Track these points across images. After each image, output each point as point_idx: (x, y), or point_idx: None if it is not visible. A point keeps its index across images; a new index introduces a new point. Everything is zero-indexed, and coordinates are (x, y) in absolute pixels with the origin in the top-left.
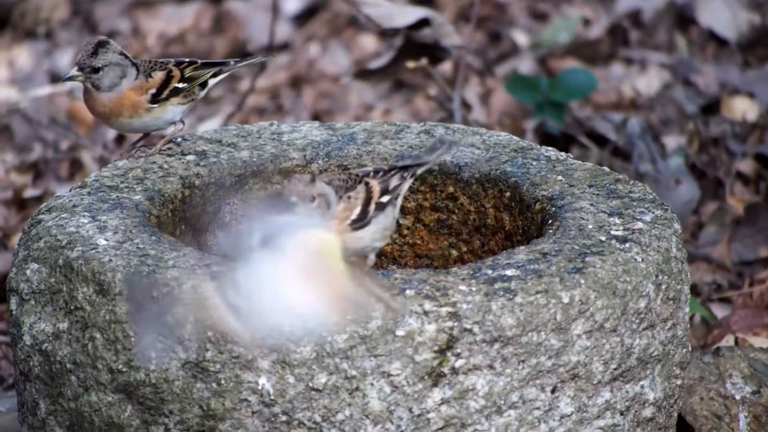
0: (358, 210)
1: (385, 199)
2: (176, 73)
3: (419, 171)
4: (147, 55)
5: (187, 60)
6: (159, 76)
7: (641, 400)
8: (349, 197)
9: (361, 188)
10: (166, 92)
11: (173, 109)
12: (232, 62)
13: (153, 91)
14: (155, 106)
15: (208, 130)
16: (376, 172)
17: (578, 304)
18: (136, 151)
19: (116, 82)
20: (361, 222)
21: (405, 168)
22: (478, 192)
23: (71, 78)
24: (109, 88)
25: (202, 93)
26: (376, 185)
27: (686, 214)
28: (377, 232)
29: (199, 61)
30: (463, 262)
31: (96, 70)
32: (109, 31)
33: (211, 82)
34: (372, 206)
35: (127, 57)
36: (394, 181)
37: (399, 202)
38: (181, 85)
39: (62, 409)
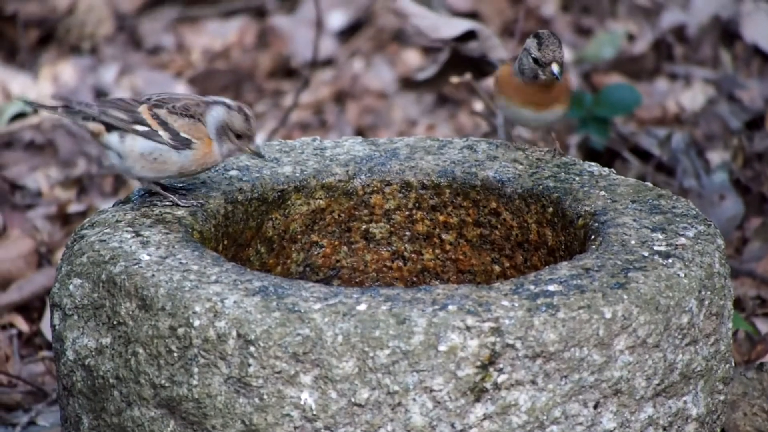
0: None
1: None
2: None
3: None
4: (192, 70)
5: None
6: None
7: (684, 416)
8: None
9: None
10: None
11: None
12: None
13: None
14: None
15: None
16: None
17: (621, 319)
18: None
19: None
20: None
21: None
22: (520, 207)
23: (557, 76)
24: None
25: None
26: None
27: (730, 229)
28: None
29: None
30: (506, 278)
31: (561, 63)
32: (154, 46)
33: None
34: None
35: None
36: None
37: None
38: None
39: (105, 424)
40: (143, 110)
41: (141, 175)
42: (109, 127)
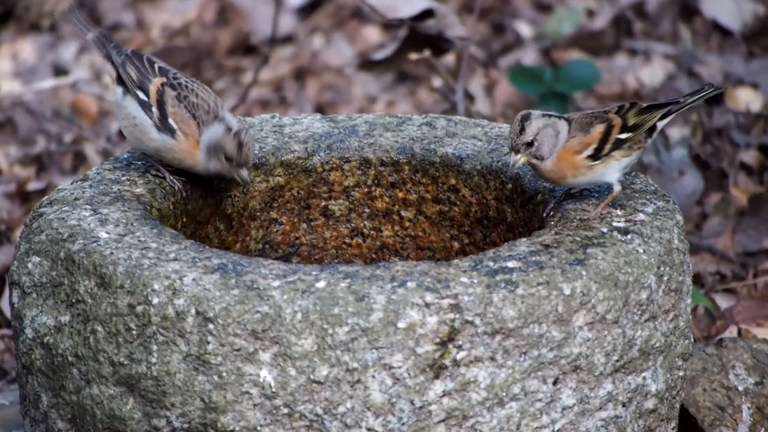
0: (594, 145)
1: (624, 135)
2: (617, 122)
3: (677, 108)
4: (151, 47)
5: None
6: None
7: (643, 392)
8: (585, 133)
9: (600, 125)
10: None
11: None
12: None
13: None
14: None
15: None
16: (621, 107)
17: (580, 295)
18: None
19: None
20: (597, 156)
21: (659, 106)
22: (479, 184)
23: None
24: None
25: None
26: (618, 121)
27: (690, 205)
28: (613, 167)
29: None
30: (465, 254)
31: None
32: (113, 23)
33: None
34: (610, 142)
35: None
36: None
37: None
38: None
39: (64, 402)
40: (155, 82)
41: (126, 135)
42: (120, 79)
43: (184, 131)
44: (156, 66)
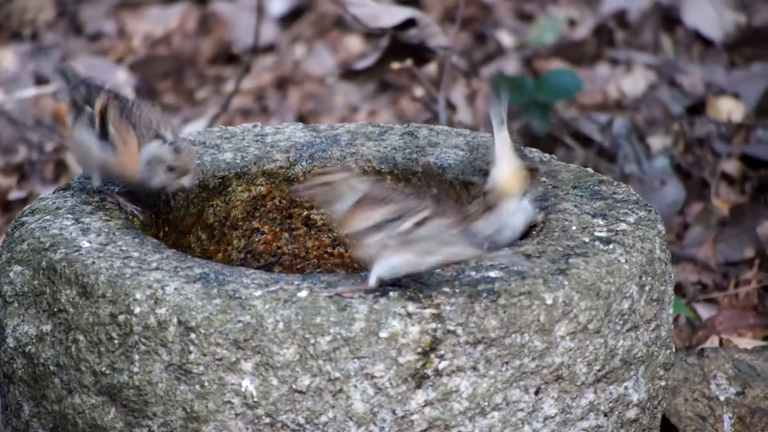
0: None
1: None
2: None
3: None
4: (133, 56)
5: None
6: None
7: (625, 402)
8: None
9: None
10: None
11: None
12: None
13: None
14: None
15: (191, 131)
16: None
17: (562, 305)
18: None
19: None
20: None
21: None
22: (461, 193)
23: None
24: None
25: None
26: None
27: (671, 214)
28: None
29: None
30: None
31: None
32: (95, 32)
33: None
34: None
35: None
36: None
37: None
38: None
39: (46, 411)
40: (102, 97)
41: (76, 158)
42: (74, 103)
43: (124, 141)
44: (106, 86)
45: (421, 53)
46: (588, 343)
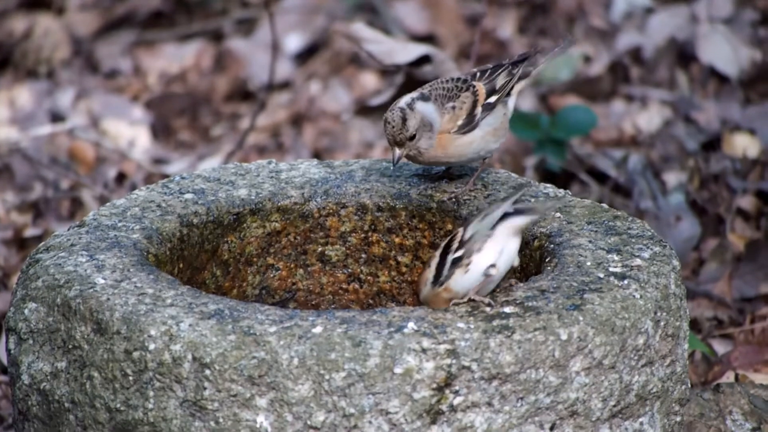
0: (463, 117)
1: (492, 99)
2: (480, 89)
3: (534, 70)
4: (148, 94)
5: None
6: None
7: None
8: (453, 107)
9: (466, 95)
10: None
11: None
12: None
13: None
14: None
15: (206, 168)
16: (482, 72)
17: (576, 341)
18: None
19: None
20: (468, 126)
21: (514, 64)
22: None
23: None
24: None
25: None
26: (481, 87)
27: (687, 250)
28: (488, 134)
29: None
30: None
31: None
32: (110, 70)
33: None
34: (479, 109)
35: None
36: (500, 80)
37: (511, 100)
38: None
39: None
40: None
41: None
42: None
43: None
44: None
45: None
46: (603, 379)
